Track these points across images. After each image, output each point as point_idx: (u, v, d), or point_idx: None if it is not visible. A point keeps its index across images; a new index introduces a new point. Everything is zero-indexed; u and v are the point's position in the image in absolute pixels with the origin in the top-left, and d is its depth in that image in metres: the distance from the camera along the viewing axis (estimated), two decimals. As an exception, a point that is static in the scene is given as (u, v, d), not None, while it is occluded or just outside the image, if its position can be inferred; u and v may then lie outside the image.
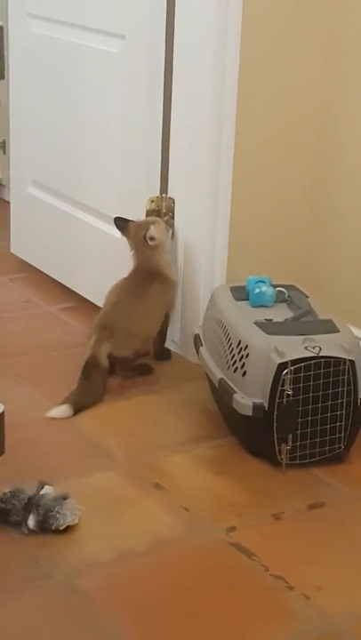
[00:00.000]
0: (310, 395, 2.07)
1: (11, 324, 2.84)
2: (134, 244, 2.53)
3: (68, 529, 1.85)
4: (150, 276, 2.51)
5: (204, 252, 2.55)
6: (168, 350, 2.62)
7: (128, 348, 2.46)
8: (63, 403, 2.30)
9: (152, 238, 2.48)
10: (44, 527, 1.84)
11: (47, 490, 1.89)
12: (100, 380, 2.38)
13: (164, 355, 2.61)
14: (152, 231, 2.48)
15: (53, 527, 1.84)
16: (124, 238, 2.56)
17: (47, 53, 2.98)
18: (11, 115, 3.22)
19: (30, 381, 2.48)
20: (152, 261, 2.51)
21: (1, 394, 2.37)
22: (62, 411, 2.28)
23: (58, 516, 1.84)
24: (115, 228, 2.59)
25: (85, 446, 2.19)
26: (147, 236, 2.48)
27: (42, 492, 1.87)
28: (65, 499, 1.87)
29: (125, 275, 2.54)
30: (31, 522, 1.84)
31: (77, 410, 2.29)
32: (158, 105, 2.58)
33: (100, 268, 2.81)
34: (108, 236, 2.75)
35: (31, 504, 1.85)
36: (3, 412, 1.87)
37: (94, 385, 2.37)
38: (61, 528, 1.84)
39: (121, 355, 2.44)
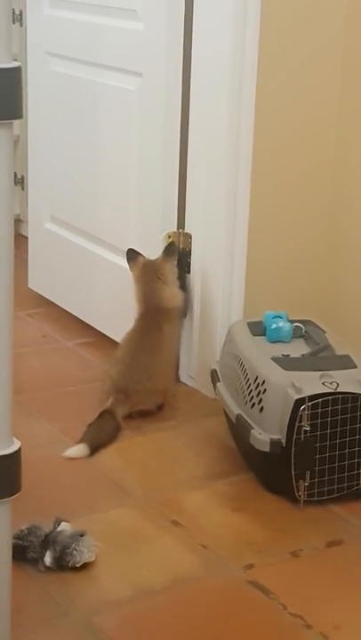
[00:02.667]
0: (328, 431, 2.06)
1: (29, 359, 2.85)
2: (140, 278, 2.52)
3: (85, 566, 1.85)
4: (157, 316, 2.49)
5: (220, 287, 2.56)
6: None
7: (148, 404, 2.46)
8: (80, 442, 2.29)
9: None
10: (61, 564, 1.83)
11: (64, 526, 1.88)
12: (115, 420, 2.37)
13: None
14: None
15: (70, 564, 1.83)
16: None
17: (65, 91, 3.01)
18: (29, 151, 3.25)
19: (48, 417, 2.48)
20: (158, 292, 2.51)
21: (19, 429, 2.36)
22: (79, 450, 2.27)
23: (75, 552, 1.83)
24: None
25: (103, 482, 2.18)
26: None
27: (59, 529, 1.87)
28: (82, 535, 1.86)
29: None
30: (48, 559, 1.83)
31: (94, 449, 2.28)
32: (175, 141, 2.60)
33: (117, 303, 2.82)
34: (126, 272, 2.76)
35: (48, 541, 1.84)
36: (19, 449, 1.86)
37: (109, 424, 2.36)
38: (78, 565, 1.83)
39: (141, 409, 2.44)
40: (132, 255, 2.56)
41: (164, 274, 2.52)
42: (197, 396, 2.63)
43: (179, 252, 2.61)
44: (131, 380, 2.42)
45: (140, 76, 2.67)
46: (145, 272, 2.53)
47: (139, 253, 2.56)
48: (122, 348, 2.51)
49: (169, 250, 2.55)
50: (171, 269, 2.54)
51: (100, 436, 2.32)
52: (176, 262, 2.56)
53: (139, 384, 2.42)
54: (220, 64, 2.45)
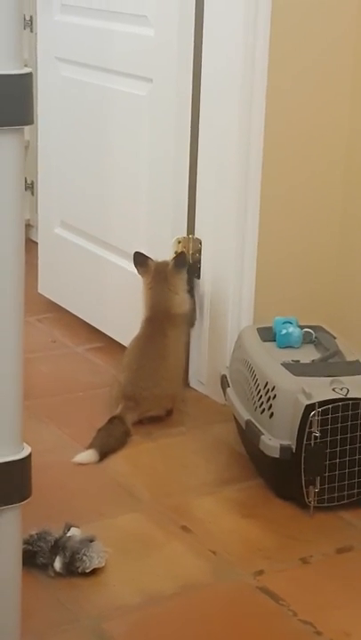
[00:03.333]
0: (338, 437, 2.05)
1: (38, 364, 2.85)
2: (151, 284, 2.52)
3: (94, 571, 1.84)
4: (162, 322, 2.49)
5: (230, 293, 2.56)
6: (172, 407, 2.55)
7: (158, 410, 2.46)
8: (89, 448, 2.29)
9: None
10: (71, 570, 1.83)
11: (74, 532, 1.88)
12: (124, 426, 2.37)
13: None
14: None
15: (80, 570, 1.83)
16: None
17: (75, 96, 3.02)
18: (39, 156, 3.26)
19: (58, 422, 2.48)
20: (168, 301, 2.51)
21: (29, 435, 2.36)
22: (88, 456, 2.26)
23: (84, 558, 1.83)
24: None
25: (112, 488, 2.18)
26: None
27: (68, 535, 1.87)
28: (92, 541, 1.86)
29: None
30: (57, 564, 1.83)
31: (103, 455, 2.28)
32: (185, 146, 2.61)
33: (127, 309, 2.82)
34: (136, 277, 2.76)
35: (58, 546, 1.84)
36: (30, 454, 1.86)
37: (118, 429, 2.36)
38: (88, 571, 1.83)
39: (151, 415, 2.44)
40: (140, 259, 2.56)
41: (175, 284, 2.52)
42: (207, 402, 2.62)
43: (189, 258, 2.61)
44: (138, 387, 2.42)
45: (150, 81, 2.67)
46: (156, 279, 2.52)
47: (147, 257, 2.55)
48: (128, 355, 2.51)
49: (180, 260, 2.53)
50: (181, 279, 2.53)
51: (110, 441, 2.32)
52: (186, 272, 2.55)
53: (146, 390, 2.42)
54: (230, 70, 2.45)
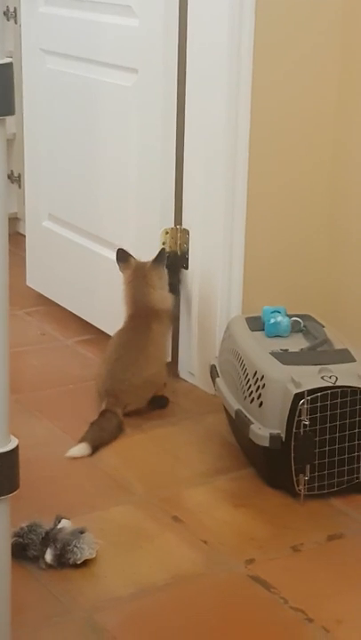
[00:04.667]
0: (327, 425, 2.06)
1: (28, 357, 2.85)
2: (130, 279, 2.51)
3: (86, 563, 1.85)
4: (146, 317, 2.48)
5: (219, 283, 2.56)
6: (166, 399, 2.55)
7: (141, 401, 2.46)
8: (81, 441, 2.28)
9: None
10: (62, 561, 1.84)
11: (64, 524, 1.88)
12: (117, 418, 2.37)
13: (161, 403, 2.53)
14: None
15: (71, 561, 1.83)
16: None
17: (61, 88, 3.01)
18: (26, 149, 3.25)
19: (49, 416, 2.48)
20: (146, 296, 2.50)
21: (20, 428, 2.36)
22: (80, 449, 2.26)
23: (75, 549, 1.83)
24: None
25: (104, 480, 2.18)
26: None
27: (59, 527, 1.87)
28: (82, 532, 1.86)
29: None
30: (48, 556, 1.83)
31: (95, 448, 2.28)
32: (172, 137, 2.60)
33: (116, 301, 2.81)
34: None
35: (48, 538, 1.84)
36: (17, 446, 1.86)
37: (111, 422, 2.36)
38: (79, 562, 1.83)
39: (136, 408, 2.44)
40: (122, 256, 2.55)
41: (152, 279, 2.51)
42: (197, 393, 2.63)
43: (176, 250, 2.61)
44: (117, 380, 2.41)
45: (135, 72, 2.66)
46: (135, 276, 2.51)
47: (129, 254, 2.55)
48: (109, 346, 2.51)
49: (159, 257, 2.52)
50: (159, 275, 2.52)
51: (102, 435, 2.32)
52: (165, 268, 2.54)
53: (124, 382, 2.41)
54: (215, 59, 2.44)
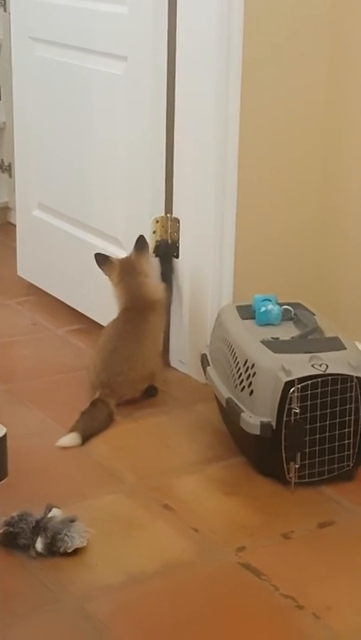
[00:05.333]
0: (318, 413, 2.06)
1: (19, 347, 2.84)
2: (120, 277, 2.50)
3: (76, 552, 1.85)
4: (142, 309, 2.47)
5: (210, 272, 2.55)
6: (155, 388, 2.54)
7: (132, 393, 2.45)
8: (71, 431, 2.28)
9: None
10: (53, 550, 1.83)
11: (55, 513, 1.88)
12: (108, 409, 2.37)
13: (150, 392, 2.52)
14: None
15: (62, 550, 1.83)
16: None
17: (51, 76, 3.00)
18: (16, 138, 3.24)
19: (40, 405, 2.47)
20: (141, 286, 2.49)
21: (11, 418, 2.37)
22: (71, 439, 2.26)
23: (66, 538, 1.83)
24: (122, 249, 2.60)
25: (95, 468, 2.18)
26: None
27: (49, 515, 1.87)
28: (73, 521, 1.86)
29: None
30: (39, 545, 1.83)
31: (86, 438, 2.28)
32: (162, 125, 2.59)
33: (107, 290, 2.81)
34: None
35: (39, 527, 1.84)
36: (5, 435, 1.86)
37: (102, 412, 2.35)
38: (69, 551, 1.83)
39: (129, 397, 2.44)
40: (102, 259, 2.53)
41: (143, 267, 2.51)
42: (189, 382, 2.63)
43: (166, 239, 2.60)
44: (112, 372, 2.40)
45: (125, 60, 2.65)
46: (123, 271, 2.50)
47: (107, 256, 2.54)
48: (104, 335, 2.50)
49: (140, 244, 2.52)
50: (147, 262, 2.52)
51: (93, 424, 2.32)
52: (149, 254, 2.53)
53: (121, 375, 2.40)
54: (205, 47, 2.43)
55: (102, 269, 2.53)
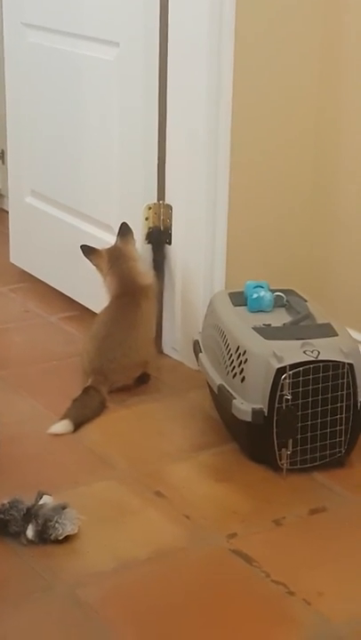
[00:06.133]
0: (310, 399, 2.06)
1: (12, 334, 2.84)
2: (110, 265, 2.49)
3: (68, 539, 1.85)
4: (133, 295, 2.46)
5: (202, 259, 2.55)
6: (148, 375, 2.53)
7: (125, 380, 2.45)
8: (63, 418, 2.27)
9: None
10: (44, 537, 1.83)
11: (46, 500, 1.88)
12: (100, 396, 2.37)
13: (143, 379, 2.52)
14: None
15: (53, 537, 1.83)
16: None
17: (43, 62, 2.98)
18: (8, 124, 3.23)
19: (32, 392, 2.47)
20: (132, 270, 2.48)
21: (3, 405, 2.37)
22: (63, 426, 2.25)
23: (57, 525, 1.83)
24: (114, 235, 2.59)
25: (87, 455, 2.18)
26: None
27: (41, 502, 1.87)
28: (64, 508, 1.86)
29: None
30: (30, 532, 1.83)
31: (78, 425, 2.27)
32: (154, 112, 2.58)
33: (99, 277, 2.80)
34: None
35: (30, 514, 1.84)
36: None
37: (94, 400, 2.35)
38: (61, 538, 1.83)
39: (122, 385, 2.43)
40: (88, 250, 2.52)
41: (132, 252, 2.50)
42: (181, 368, 2.62)
43: (159, 225, 2.60)
44: (105, 359, 2.40)
45: (117, 45, 2.64)
46: (112, 258, 2.50)
47: (92, 247, 2.53)
48: (97, 322, 2.50)
49: (124, 230, 2.51)
50: (133, 247, 2.51)
51: (85, 412, 2.32)
52: (134, 240, 2.52)
53: (114, 362, 2.40)
54: (197, 32, 2.42)
55: (90, 260, 2.53)
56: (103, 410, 2.36)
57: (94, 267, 2.53)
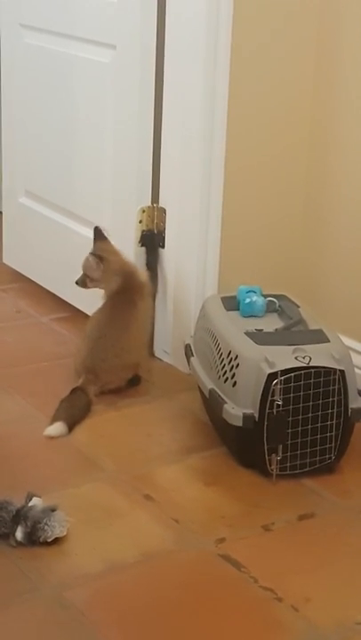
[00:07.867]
0: (301, 405, 2.06)
1: (3, 334, 2.84)
2: (113, 259, 2.47)
3: (56, 541, 1.84)
4: (131, 292, 2.45)
5: (195, 262, 2.55)
6: (139, 377, 2.54)
7: (117, 381, 2.45)
8: (56, 420, 2.26)
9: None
10: (33, 539, 1.83)
11: (35, 502, 1.88)
12: (86, 397, 2.36)
13: (134, 381, 2.52)
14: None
15: (41, 539, 1.83)
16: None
17: (39, 63, 2.98)
18: (2, 125, 3.22)
19: (23, 393, 2.47)
20: (131, 268, 2.48)
21: (-8, 405, 2.37)
22: (58, 429, 2.24)
23: (46, 527, 1.83)
24: (107, 237, 2.58)
25: (76, 457, 2.18)
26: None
27: (30, 504, 1.87)
28: (53, 510, 1.86)
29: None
30: (19, 534, 1.83)
31: (71, 426, 2.27)
32: (149, 115, 2.58)
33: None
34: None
35: (19, 516, 1.84)
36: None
37: (81, 400, 2.34)
38: (49, 540, 1.83)
39: (113, 387, 2.43)
40: (101, 234, 2.50)
41: (117, 249, 2.49)
42: (172, 371, 2.62)
43: (153, 228, 2.60)
44: (98, 358, 2.40)
45: (113, 48, 2.64)
46: (114, 252, 2.49)
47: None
48: (91, 322, 2.50)
49: (98, 234, 2.48)
50: (108, 246, 2.48)
51: (74, 412, 2.31)
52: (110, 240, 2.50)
53: (106, 362, 2.40)
54: (194, 35, 2.42)
55: (97, 247, 2.48)
56: (90, 411, 2.35)
57: (94, 258, 2.48)
